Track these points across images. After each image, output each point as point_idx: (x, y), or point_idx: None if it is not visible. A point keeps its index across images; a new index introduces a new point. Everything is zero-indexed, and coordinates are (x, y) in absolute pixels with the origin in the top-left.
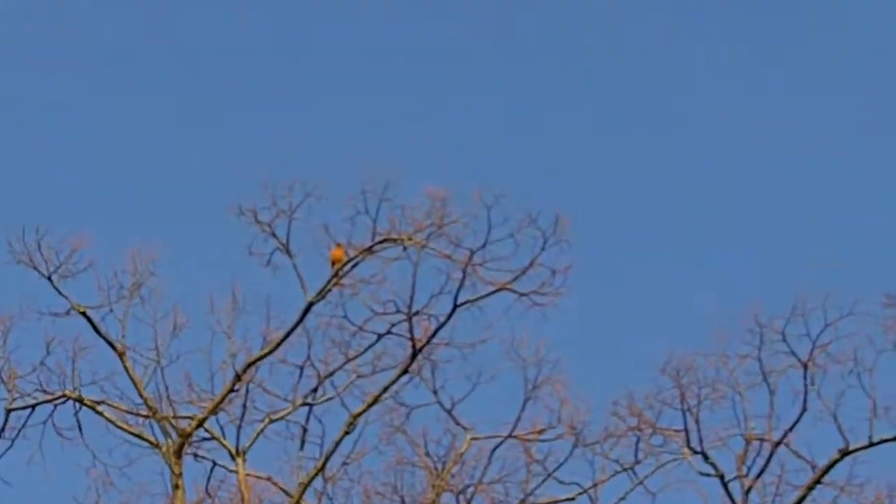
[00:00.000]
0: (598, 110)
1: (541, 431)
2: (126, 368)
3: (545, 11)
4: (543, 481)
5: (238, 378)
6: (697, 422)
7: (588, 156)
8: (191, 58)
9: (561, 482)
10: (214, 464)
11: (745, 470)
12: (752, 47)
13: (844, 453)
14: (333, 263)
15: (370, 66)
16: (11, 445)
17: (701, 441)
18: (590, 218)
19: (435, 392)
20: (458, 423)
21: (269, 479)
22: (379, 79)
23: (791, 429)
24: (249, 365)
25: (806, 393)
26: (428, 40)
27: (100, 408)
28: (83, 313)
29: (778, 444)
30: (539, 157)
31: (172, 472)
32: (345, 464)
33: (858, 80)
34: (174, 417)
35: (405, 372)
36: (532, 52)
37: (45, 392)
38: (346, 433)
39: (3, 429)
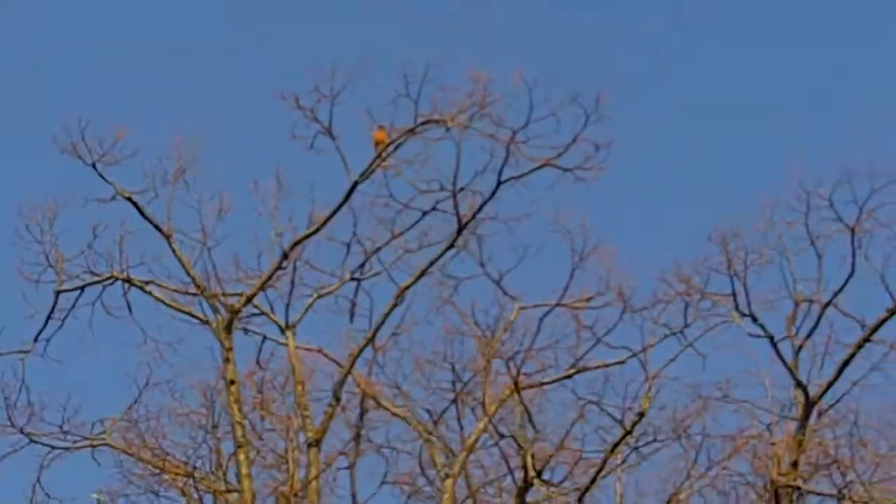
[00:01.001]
0: None
1: (589, 299)
2: (173, 250)
3: None
4: (593, 346)
5: (285, 256)
6: (745, 286)
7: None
8: None
9: (610, 346)
10: (264, 338)
11: (794, 331)
12: None
13: (893, 312)
14: (377, 145)
15: None
16: (62, 325)
17: (749, 304)
18: (633, 93)
19: (482, 264)
20: (506, 293)
21: (319, 350)
22: None
23: (840, 290)
24: (296, 243)
25: (854, 257)
26: None
27: (148, 287)
28: (129, 198)
29: (827, 304)
30: (580, 35)
31: (223, 346)
32: (394, 334)
33: None
34: (223, 294)
35: (451, 246)
36: None
37: (92, 274)
38: (395, 305)
39: (52, 310)
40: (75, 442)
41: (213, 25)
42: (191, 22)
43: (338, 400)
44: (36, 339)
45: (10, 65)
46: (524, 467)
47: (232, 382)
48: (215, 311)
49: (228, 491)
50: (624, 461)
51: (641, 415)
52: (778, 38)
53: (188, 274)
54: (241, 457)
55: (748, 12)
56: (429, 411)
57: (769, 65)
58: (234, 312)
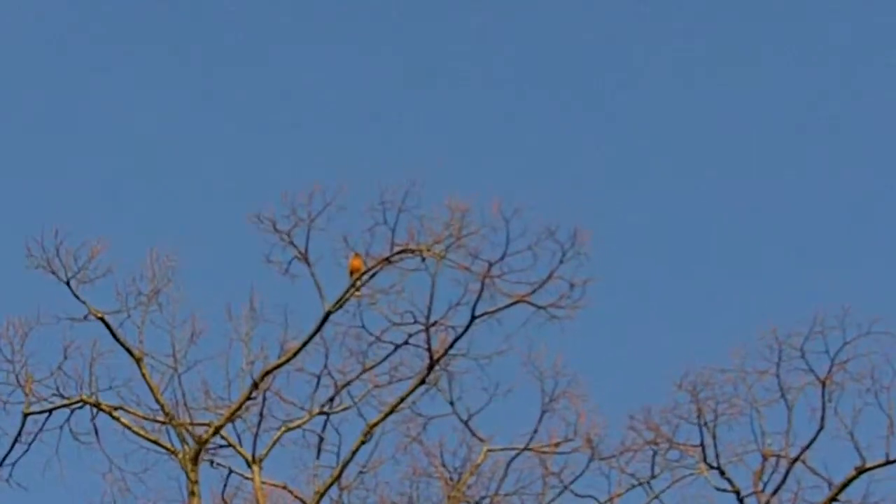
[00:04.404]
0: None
1: (557, 444)
2: (143, 374)
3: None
4: (559, 494)
5: (255, 386)
6: (714, 437)
7: (606, 170)
8: (207, 62)
9: (577, 495)
10: (230, 471)
11: (761, 486)
12: None
13: (861, 471)
14: (352, 273)
15: (390, 76)
16: (28, 450)
17: (717, 456)
18: (610, 231)
19: (452, 403)
20: (474, 435)
21: (284, 487)
22: (399, 88)
23: (808, 446)
24: (267, 373)
25: (823, 410)
26: (439, 54)
27: (116, 413)
28: (101, 319)
29: (795, 460)
30: (559, 170)
31: (189, 478)
32: (361, 473)
33: None
34: (191, 424)
35: (422, 382)
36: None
37: (61, 397)
38: (363, 442)
39: (19, 433)
40: None
41: (190, 145)
42: (169, 141)
43: None
44: (1, 464)
45: None
46: None
47: None
48: (182, 440)
49: None
50: None
51: None
52: (756, 173)
53: (157, 401)
54: None
55: (723, 146)
56: None
57: (746, 201)
58: (202, 443)
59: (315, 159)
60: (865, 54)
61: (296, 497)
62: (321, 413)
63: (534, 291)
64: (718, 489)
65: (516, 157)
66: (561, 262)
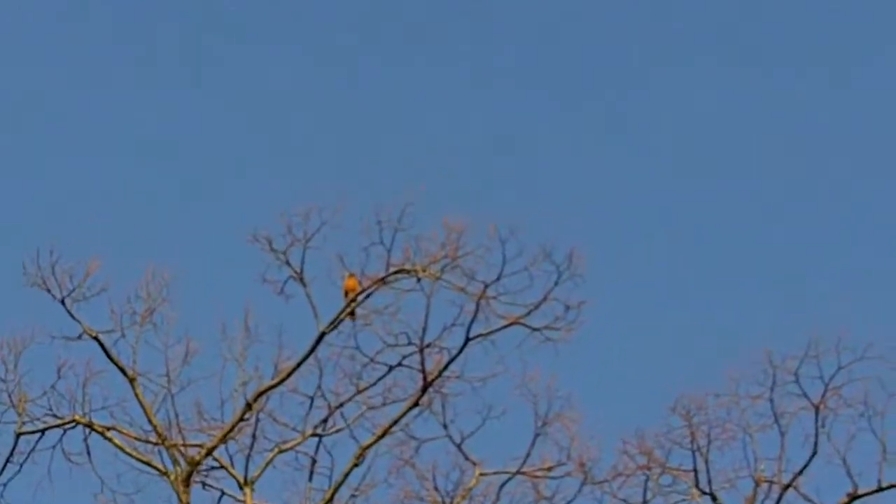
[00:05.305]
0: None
1: (550, 468)
2: (136, 395)
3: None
4: None
5: (248, 407)
6: (707, 462)
7: (601, 190)
8: (207, 74)
9: None
10: (223, 493)
11: None
12: None
13: (853, 497)
14: (347, 293)
15: (388, 91)
16: (20, 470)
17: (710, 482)
18: (605, 252)
19: (445, 426)
20: (467, 458)
21: None
22: (396, 104)
23: (801, 472)
24: (260, 394)
25: (817, 436)
26: (437, 69)
27: (109, 434)
28: (95, 338)
29: (787, 486)
30: (555, 191)
31: (180, 500)
32: (353, 496)
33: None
34: (183, 445)
35: (416, 405)
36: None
37: (55, 416)
38: (356, 465)
39: (12, 453)
40: None
41: (187, 164)
42: (165, 159)
43: None
44: None
45: None
46: None
47: None
48: (175, 462)
49: None
50: None
51: None
52: (750, 193)
53: (150, 421)
54: None
55: (715, 157)
56: None
57: (740, 222)
58: (194, 465)
59: (311, 176)
60: None
61: None
62: (314, 435)
63: (529, 313)
64: None
65: (513, 176)
66: (556, 283)
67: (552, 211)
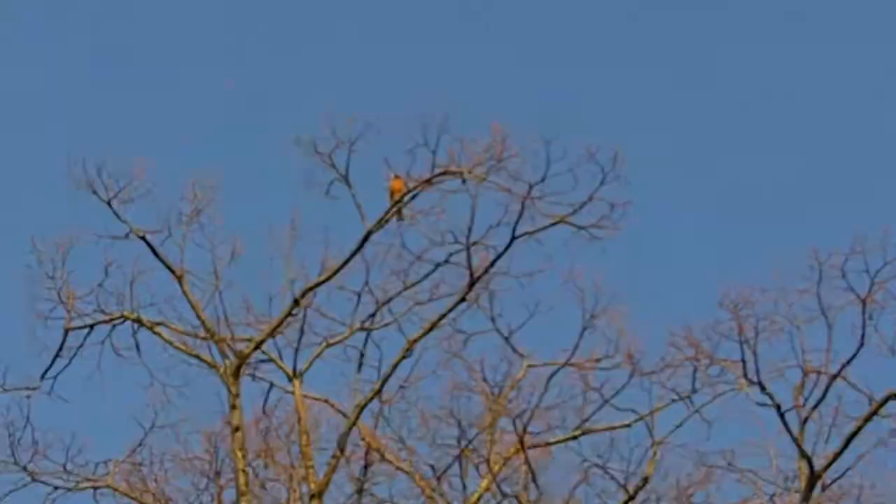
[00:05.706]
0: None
1: (598, 360)
2: (184, 291)
3: None
4: (600, 408)
5: (296, 302)
6: (755, 353)
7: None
8: None
9: (617, 409)
10: (272, 385)
11: (801, 401)
12: None
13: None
14: (392, 194)
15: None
16: (69, 363)
17: (758, 372)
18: (650, 153)
19: (493, 319)
20: (515, 351)
21: (325, 400)
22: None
23: (848, 362)
24: (308, 290)
25: (864, 328)
26: None
27: (158, 329)
28: (143, 237)
29: (835, 376)
30: (600, 92)
31: (230, 391)
32: (402, 387)
33: None
34: (232, 339)
35: (463, 300)
36: None
37: (103, 313)
38: (404, 357)
39: (61, 348)
40: (78, 482)
41: (234, 68)
42: (212, 64)
43: (342, 452)
44: (43, 377)
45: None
46: None
47: (237, 429)
48: (224, 355)
49: None
50: None
51: (645, 480)
52: (794, 116)
53: (198, 317)
54: None
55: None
56: (432, 467)
57: (786, 136)
58: (243, 358)
59: (356, 80)
60: None
61: (337, 410)
62: (362, 329)
63: (574, 212)
64: (759, 404)
65: (556, 82)
66: (601, 183)
67: (596, 114)
